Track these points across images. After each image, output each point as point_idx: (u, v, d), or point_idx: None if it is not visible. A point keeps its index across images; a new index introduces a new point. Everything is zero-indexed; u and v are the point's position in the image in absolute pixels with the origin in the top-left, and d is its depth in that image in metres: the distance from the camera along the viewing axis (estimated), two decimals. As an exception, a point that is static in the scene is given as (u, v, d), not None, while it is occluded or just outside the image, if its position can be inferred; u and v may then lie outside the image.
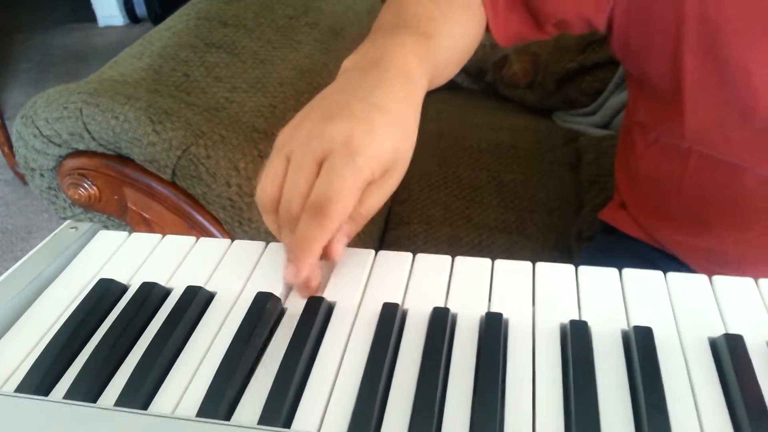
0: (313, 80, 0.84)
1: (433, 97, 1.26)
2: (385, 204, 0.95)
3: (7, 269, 0.40)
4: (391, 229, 0.90)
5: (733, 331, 0.33)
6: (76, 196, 0.71)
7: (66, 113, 0.65)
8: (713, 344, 0.33)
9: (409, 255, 0.40)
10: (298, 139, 0.38)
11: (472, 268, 0.39)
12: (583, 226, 0.89)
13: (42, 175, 0.72)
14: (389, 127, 0.39)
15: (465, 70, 1.23)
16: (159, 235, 0.43)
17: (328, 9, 0.97)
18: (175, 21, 0.86)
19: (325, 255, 0.37)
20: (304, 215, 0.36)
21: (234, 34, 0.83)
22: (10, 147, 1.95)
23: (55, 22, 3.29)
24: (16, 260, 0.40)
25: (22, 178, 1.99)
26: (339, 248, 0.38)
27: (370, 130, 0.37)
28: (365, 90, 0.41)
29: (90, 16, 3.26)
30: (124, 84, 0.70)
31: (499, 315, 0.34)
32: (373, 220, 0.89)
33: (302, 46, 0.87)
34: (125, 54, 0.79)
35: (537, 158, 1.03)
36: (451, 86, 1.27)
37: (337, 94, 0.41)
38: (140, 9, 3.25)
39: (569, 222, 0.92)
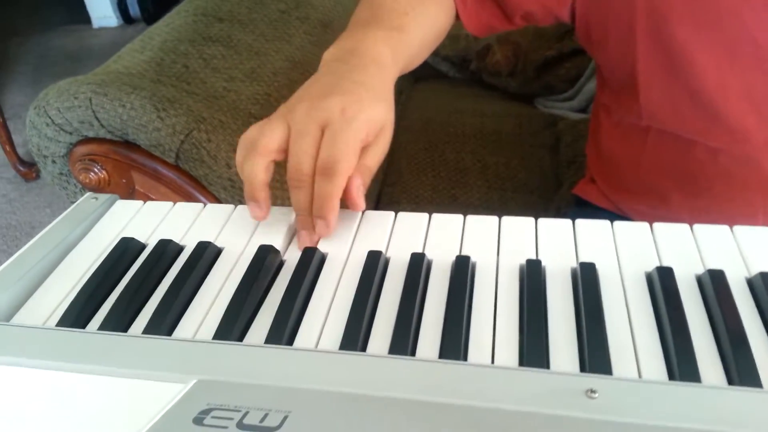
0: (304, 70, 0.89)
1: (420, 86, 1.32)
2: (377, 186, 1.01)
3: None
4: (382, 209, 0.96)
5: (665, 265, 0.39)
6: (87, 181, 0.76)
7: (77, 103, 0.70)
8: (648, 276, 0.39)
9: (392, 213, 0.46)
10: (298, 112, 0.44)
11: (447, 222, 0.45)
12: (561, 203, 0.95)
13: (54, 162, 0.77)
14: (374, 98, 0.46)
15: (450, 60, 1.29)
16: (171, 203, 0.49)
17: (318, 3, 1.03)
18: (174, 17, 0.91)
19: (352, 206, 0.44)
20: (318, 178, 0.42)
21: (229, 28, 0.89)
22: (12, 145, 2.00)
23: (51, 24, 3.33)
24: None
25: (24, 176, 2.04)
26: (360, 197, 0.44)
27: (359, 100, 0.45)
28: (347, 73, 0.48)
29: (85, 18, 3.30)
30: (129, 75, 0.75)
31: (467, 257, 0.40)
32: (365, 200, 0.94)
33: (294, 39, 0.92)
34: (128, 49, 0.84)
35: (519, 141, 1.09)
36: (438, 75, 1.33)
37: (326, 77, 0.49)
38: (134, 9, 3.29)
39: (549, 200, 0.98)
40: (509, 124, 1.12)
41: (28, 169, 2.04)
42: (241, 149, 0.45)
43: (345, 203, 0.44)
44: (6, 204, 1.95)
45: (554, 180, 1.01)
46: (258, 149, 0.43)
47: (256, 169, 0.43)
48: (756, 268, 0.39)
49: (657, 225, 0.43)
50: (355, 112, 0.44)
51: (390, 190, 0.99)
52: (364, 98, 0.45)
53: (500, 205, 0.96)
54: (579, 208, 0.84)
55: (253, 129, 0.45)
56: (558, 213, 0.93)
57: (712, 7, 0.57)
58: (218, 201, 0.75)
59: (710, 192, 0.67)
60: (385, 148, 0.47)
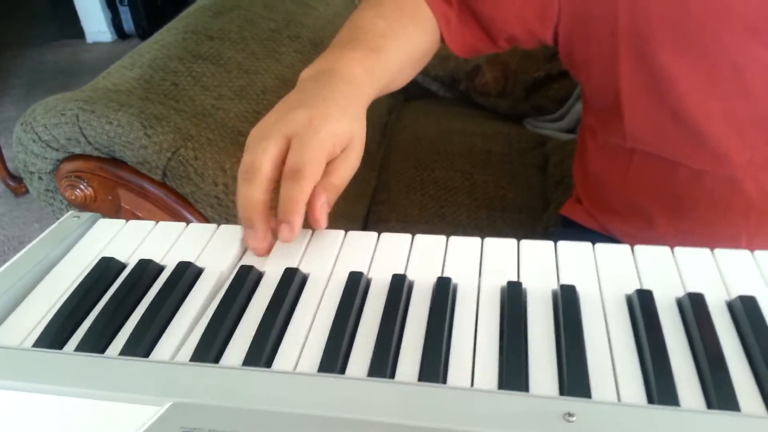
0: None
1: (410, 106, 1.33)
2: (365, 204, 1.01)
3: None
4: (370, 227, 0.96)
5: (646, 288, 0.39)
6: (73, 197, 0.76)
7: (63, 119, 0.70)
8: (628, 299, 0.39)
9: (375, 234, 0.46)
10: (264, 125, 0.45)
11: (429, 243, 0.45)
12: (549, 222, 0.95)
13: (40, 178, 0.77)
14: (341, 112, 0.47)
15: (440, 80, 1.30)
16: (153, 222, 0.49)
17: (309, 23, 1.04)
18: (164, 35, 0.91)
19: (314, 223, 0.44)
20: (284, 182, 0.42)
21: (220, 46, 0.89)
22: (2, 160, 1.99)
23: (45, 39, 3.34)
24: None
25: (13, 191, 2.03)
26: (323, 215, 0.44)
27: (326, 114, 0.45)
28: (317, 90, 0.49)
29: (79, 33, 3.32)
30: (117, 92, 0.75)
31: (448, 279, 0.40)
32: (353, 219, 0.94)
33: (284, 57, 0.93)
34: (117, 66, 0.85)
35: (508, 161, 1.09)
36: (427, 95, 1.34)
37: (295, 95, 0.50)
38: (128, 25, 3.30)
39: (536, 219, 0.98)
40: (498, 144, 1.13)
41: (18, 183, 2.02)
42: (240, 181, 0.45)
43: (306, 220, 0.44)
44: (-6, 219, 1.94)
45: (542, 199, 1.01)
46: (251, 177, 0.44)
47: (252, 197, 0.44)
48: (736, 291, 0.39)
49: (638, 248, 0.43)
50: (321, 124, 0.44)
51: (378, 209, 0.99)
52: (330, 112, 0.46)
53: (488, 224, 0.96)
54: (566, 228, 0.84)
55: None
56: (545, 232, 0.93)
57: (694, 31, 0.58)
58: (205, 219, 0.74)
59: (694, 214, 0.67)
60: (353, 166, 0.47)
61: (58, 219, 0.81)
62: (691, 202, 0.67)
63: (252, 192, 0.43)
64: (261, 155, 0.43)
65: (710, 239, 0.68)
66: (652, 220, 0.71)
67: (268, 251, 0.44)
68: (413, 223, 0.95)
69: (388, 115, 1.25)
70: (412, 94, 1.35)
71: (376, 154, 1.12)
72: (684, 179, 0.65)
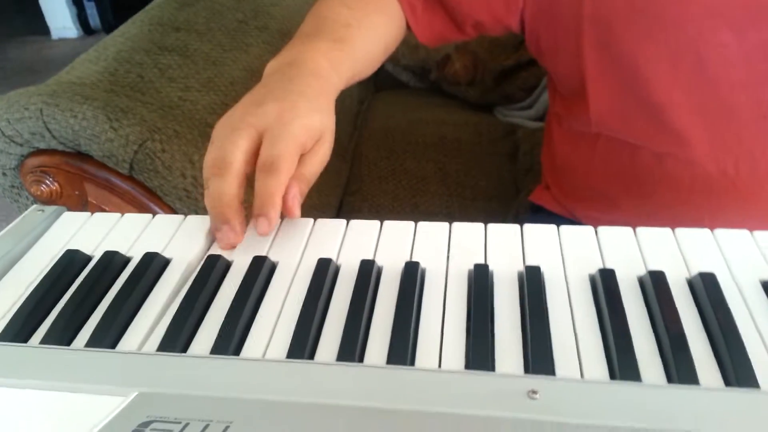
0: (263, 80, 0.89)
1: (381, 96, 1.33)
2: (338, 194, 1.01)
3: None
4: (343, 217, 0.96)
5: (608, 267, 0.40)
6: (39, 193, 0.74)
7: (27, 114, 0.69)
8: (591, 279, 0.40)
9: (343, 221, 0.46)
10: (233, 119, 0.45)
11: (398, 229, 0.45)
12: (519, 209, 0.96)
13: (5, 174, 0.76)
14: (310, 106, 0.46)
15: (410, 70, 1.30)
16: (119, 214, 0.48)
17: (277, 13, 1.03)
18: (129, 27, 0.90)
19: (287, 213, 0.44)
20: (258, 175, 0.42)
21: (186, 37, 0.88)
22: (-35, 159, 1.94)
23: (8, 35, 3.25)
24: None
25: (-23, 190, 1.98)
26: (296, 206, 0.44)
27: (295, 108, 0.45)
28: (284, 83, 0.49)
29: (43, 29, 3.24)
30: (82, 86, 0.74)
31: (416, 263, 0.40)
32: (326, 210, 0.94)
33: (252, 48, 0.92)
34: (81, 59, 0.83)
35: (478, 150, 1.10)
36: (398, 85, 1.34)
37: (262, 89, 0.49)
38: (94, 21, 3.24)
39: (507, 207, 0.99)
40: (469, 133, 1.14)
41: (-18, 182, 1.98)
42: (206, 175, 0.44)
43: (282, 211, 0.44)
44: (-41, 218, 1.89)
45: (513, 187, 1.03)
46: (216, 171, 0.43)
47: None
48: (696, 269, 0.40)
49: (601, 228, 0.44)
50: (291, 118, 0.44)
51: (351, 199, 0.99)
52: (300, 106, 0.46)
53: (460, 212, 0.97)
54: (535, 215, 0.86)
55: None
56: (516, 219, 0.94)
57: (656, 18, 0.59)
58: (174, 212, 0.74)
59: (657, 196, 0.69)
60: (323, 158, 0.48)
61: (23, 216, 0.80)
62: (653, 184, 0.68)
63: (224, 187, 0.43)
64: (232, 149, 0.43)
65: (673, 221, 0.70)
66: (617, 203, 0.72)
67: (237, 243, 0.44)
68: (386, 213, 0.96)
69: (359, 106, 1.25)
70: (382, 84, 1.35)
71: (348, 145, 1.12)
72: (646, 162, 0.66)
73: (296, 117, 0.44)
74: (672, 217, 0.69)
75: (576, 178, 0.76)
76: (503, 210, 0.98)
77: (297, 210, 0.44)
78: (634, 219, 0.71)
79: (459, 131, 1.14)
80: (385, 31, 0.64)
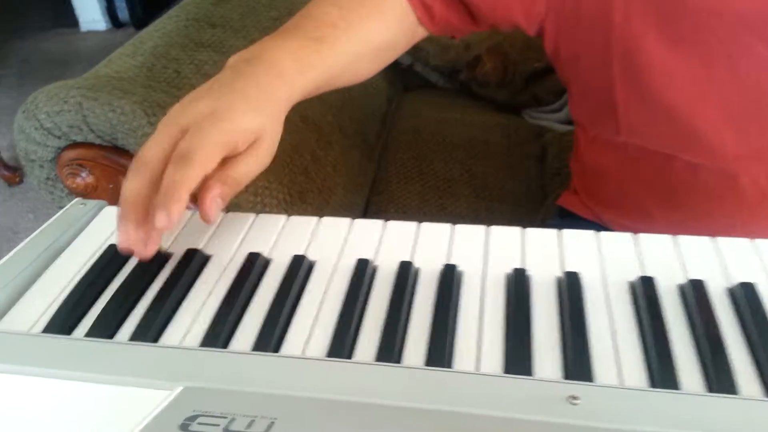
0: (294, 78, 0.90)
1: (409, 96, 1.33)
2: (364, 194, 1.01)
3: None
4: (369, 218, 0.96)
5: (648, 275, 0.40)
6: (74, 186, 0.76)
7: (66, 107, 0.70)
8: (632, 286, 0.40)
9: (381, 221, 0.46)
10: (168, 115, 0.43)
11: (435, 231, 0.45)
12: (546, 213, 0.96)
13: (41, 167, 0.77)
14: (248, 107, 0.43)
15: (439, 70, 1.30)
16: (158, 210, 0.49)
17: (309, 12, 1.03)
18: (165, 23, 0.91)
19: (203, 217, 0.40)
20: (169, 166, 0.39)
21: (222, 34, 0.89)
22: (-4, 149, 1.98)
23: (38, 28, 3.31)
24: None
25: (7, 180, 2.02)
26: (214, 208, 0.40)
27: (231, 108, 0.42)
28: (231, 81, 0.46)
29: (72, 21, 3.28)
30: (120, 80, 0.75)
31: (454, 266, 0.41)
32: (352, 210, 0.95)
33: (284, 47, 0.93)
34: (118, 53, 0.84)
35: (506, 152, 1.10)
36: (427, 85, 1.34)
37: (204, 86, 0.46)
38: (123, 14, 3.27)
39: (534, 211, 0.99)
40: (497, 135, 1.13)
41: (12, 173, 2.02)
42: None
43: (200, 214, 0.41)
44: (-11, 208, 1.94)
45: (540, 191, 1.02)
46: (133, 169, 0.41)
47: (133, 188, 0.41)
48: (737, 279, 0.40)
49: (641, 235, 0.44)
50: (224, 116, 0.41)
51: (377, 199, 0.99)
52: (236, 106, 0.42)
53: (487, 215, 0.96)
54: (563, 219, 0.85)
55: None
56: (543, 224, 0.94)
57: (687, 24, 0.58)
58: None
59: (689, 206, 0.68)
60: (259, 162, 0.44)
61: (59, 208, 0.81)
62: (686, 194, 0.67)
63: (133, 184, 0.40)
64: (151, 147, 0.41)
65: (705, 230, 0.69)
66: (648, 211, 0.72)
67: (148, 248, 0.40)
68: (412, 214, 0.96)
69: (388, 105, 1.25)
70: (411, 84, 1.35)
71: (375, 145, 1.13)
72: (678, 172, 0.66)
73: (227, 116, 0.41)
74: (704, 227, 0.69)
75: (606, 186, 0.75)
76: (530, 213, 0.97)
77: (214, 215, 0.40)
78: (665, 228, 0.71)
79: (487, 133, 1.14)
80: (378, 34, 0.61)
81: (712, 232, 0.44)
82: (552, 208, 0.96)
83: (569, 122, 1.17)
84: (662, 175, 0.67)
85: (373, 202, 0.99)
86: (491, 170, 1.05)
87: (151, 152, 0.40)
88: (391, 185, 1.01)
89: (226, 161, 0.41)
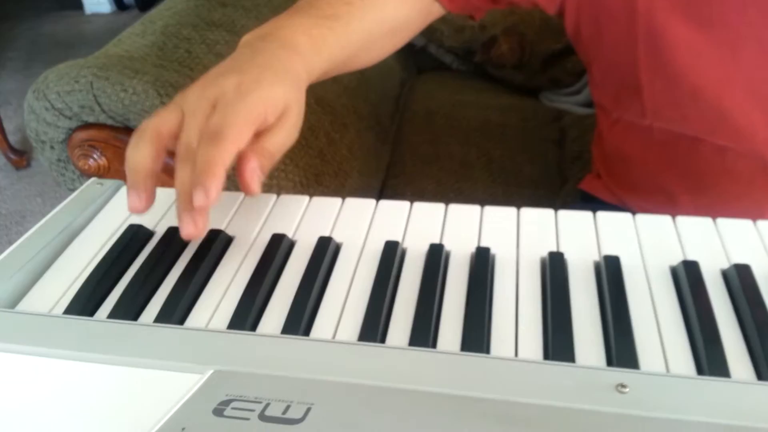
0: (309, 58, 0.88)
1: (423, 78, 1.31)
2: (380, 177, 0.99)
3: (2, 253, 0.42)
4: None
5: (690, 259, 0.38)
6: (86, 167, 0.74)
7: (77, 87, 0.69)
8: (673, 270, 0.38)
9: (407, 203, 0.45)
10: (191, 93, 0.41)
11: (464, 213, 0.44)
12: (566, 199, 0.94)
13: (52, 148, 0.76)
14: (275, 79, 0.43)
15: (454, 51, 1.28)
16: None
17: (323, -9, 1.01)
18: (175, 1, 0.89)
19: (245, 189, 0.39)
20: (201, 143, 0.38)
21: (233, 13, 0.87)
22: (2, 132, 1.97)
23: (43, 10, 3.28)
24: (11, 243, 0.43)
25: (15, 164, 2.01)
26: (255, 179, 0.39)
27: (258, 80, 0.41)
28: (251, 57, 0.45)
29: (77, 4, 3.26)
30: (131, 59, 0.73)
31: (487, 249, 0.39)
32: (368, 193, 0.93)
33: (299, 26, 0.91)
34: (128, 33, 0.83)
35: (524, 136, 1.08)
36: (441, 67, 1.31)
37: (228, 62, 0.45)
38: (128, -3, 3.25)
39: (554, 195, 0.97)
40: (514, 118, 1.11)
41: (19, 157, 2.00)
42: (132, 138, 0.40)
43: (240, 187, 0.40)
44: (-3, 192, 1.93)
45: (559, 175, 1.00)
46: (145, 135, 0.40)
47: (139, 155, 0.39)
48: (781, 263, 0.38)
49: (680, 218, 0.42)
50: (251, 88, 0.40)
51: (394, 182, 0.98)
52: (263, 77, 0.42)
53: (505, 200, 0.95)
54: (585, 204, 0.83)
55: (148, 118, 0.41)
56: (564, 208, 0.92)
57: (716, 5, 0.56)
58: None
59: (717, 190, 0.67)
60: (290, 135, 0.43)
61: (70, 190, 0.80)
62: (713, 178, 0.66)
63: (137, 152, 0.39)
64: (189, 130, 0.39)
65: (733, 215, 0.68)
66: (674, 196, 0.70)
67: (198, 226, 0.38)
68: (429, 198, 0.93)
69: (401, 88, 1.23)
70: (424, 65, 1.33)
71: (390, 128, 1.11)
72: (706, 155, 0.64)
73: (256, 88, 0.40)
74: (731, 211, 0.67)
75: (630, 170, 0.73)
76: (550, 198, 0.96)
77: (256, 186, 0.39)
78: (692, 213, 0.69)
79: (503, 116, 1.12)
80: (394, 14, 0.59)
81: (741, 217, 0.43)
82: (572, 193, 0.94)
83: (589, 105, 1.15)
84: (689, 159, 0.66)
85: (389, 186, 0.97)
86: (508, 154, 1.03)
87: (193, 138, 0.39)
88: (407, 168, 1.00)
89: (257, 135, 0.40)
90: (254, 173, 0.39)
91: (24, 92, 0.73)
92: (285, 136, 0.42)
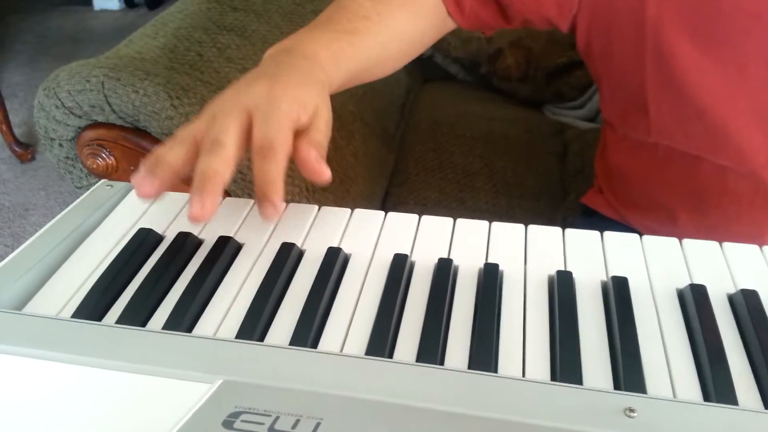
0: (318, 65, 0.88)
1: (428, 87, 1.31)
2: (383, 185, 0.99)
3: (5, 246, 0.42)
4: (388, 209, 0.95)
5: (697, 282, 0.38)
6: (94, 166, 0.74)
7: (88, 86, 0.69)
8: (680, 294, 0.38)
9: (416, 216, 0.45)
10: (222, 99, 0.43)
11: (472, 228, 0.44)
12: (567, 212, 0.94)
13: (61, 145, 0.76)
14: (301, 81, 0.44)
15: (460, 62, 1.28)
16: (187, 194, 0.48)
17: (333, -2, 1.02)
18: (187, 4, 0.89)
19: (315, 175, 0.41)
20: (256, 159, 0.39)
21: (244, 18, 0.87)
22: (8, 125, 1.97)
23: (51, 4, 3.28)
24: (14, 236, 0.43)
25: (19, 157, 2.01)
26: (322, 164, 0.41)
27: (286, 84, 0.43)
28: (275, 67, 0.47)
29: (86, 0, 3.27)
30: (142, 61, 0.74)
31: (496, 265, 0.39)
32: (371, 200, 0.93)
33: (309, 32, 0.91)
34: (140, 33, 0.83)
35: (527, 148, 1.08)
36: (446, 77, 1.32)
37: (252, 73, 0.46)
38: (136, -6, 3.25)
39: (555, 208, 0.97)
40: (518, 130, 1.12)
41: (24, 150, 2.01)
42: (168, 142, 0.41)
43: (309, 177, 0.41)
44: (0, 185, 1.92)
45: (561, 188, 1.00)
46: (184, 140, 0.41)
47: (171, 153, 0.40)
48: (787, 290, 0.38)
49: (686, 241, 0.42)
50: (282, 95, 0.42)
51: (397, 191, 0.98)
52: (290, 82, 0.43)
53: (507, 211, 0.95)
54: (586, 218, 0.84)
55: (184, 127, 0.42)
56: (564, 222, 0.92)
57: (723, 25, 0.57)
58: (228, 194, 0.73)
59: (717, 210, 0.67)
60: (327, 130, 0.44)
61: (77, 188, 0.80)
62: (714, 197, 0.66)
63: (215, 164, 0.39)
64: (225, 131, 0.40)
65: (733, 236, 0.68)
66: (675, 215, 0.70)
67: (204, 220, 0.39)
68: (432, 207, 0.94)
69: (406, 97, 1.23)
70: (430, 75, 1.33)
71: (394, 136, 1.11)
72: (707, 174, 0.65)
73: (287, 92, 0.42)
74: (731, 232, 0.67)
75: (632, 187, 0.74)
76: (551, 211, 0.96)
77: (325, 169, 0.41)
78: (692, 232, 0.69)
79: (507, 127, 1.12)
80: (409, 27, 0.61)
81: (740, 239, 0.43)
82: (573, 207, 0.94)
83: (591, 119, 1.15)
84: (691, 177, 0.66)
85: (393, 194, 0.98)
86: (511, 165, 1.03)
87: (227, 138, 0.40)
88: (411, 177, 1.00)
89: (297, 134, 0.42)
90: (319, 160, 0.41)
91: (30, 86, 0.73)
92: (324, 129, 0.44)
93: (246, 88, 0.43)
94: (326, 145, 0.44)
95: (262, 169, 0.39)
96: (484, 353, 0.34)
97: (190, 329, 0.35)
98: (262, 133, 0.40)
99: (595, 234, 0.43)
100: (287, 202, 0.47)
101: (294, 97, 0.42)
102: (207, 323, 0.36)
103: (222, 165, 0.39)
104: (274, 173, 0.39)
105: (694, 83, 0.59)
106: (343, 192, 0.85)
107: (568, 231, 0.43)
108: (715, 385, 0.32)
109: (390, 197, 0.97)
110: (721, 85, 0.59)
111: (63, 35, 2.99)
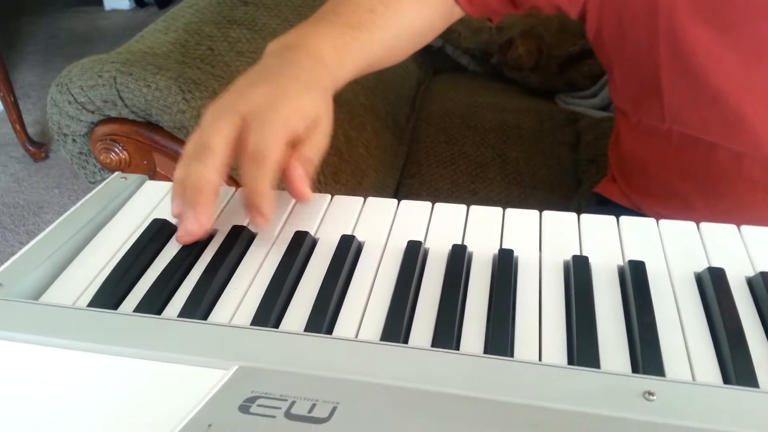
0: (328, 57, 0.88)
1: (439, 79, 1.31)
2: (395, 177, 0.99)
3: (20, 243, 0.43)
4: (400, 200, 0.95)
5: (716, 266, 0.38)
6: (107, 161, 0.75)
7: (101, 81, 0.69)
8: (698, 277, 0.38)
9: (429, 203, 0.45)
10: (222, 103, 0.42)
11: (485, 214, 0.44)
12: (581, 202, 0.94)
13: (74, 141, 0.76)
14: (302, 89, 0.43)
15: (471, 53, 1.28)
16: (201, 185, 0.48)
17: (343, -10, 1.01)
18: (196, -1, 0.90)
19: (297, 195, 0.42)
20: (247, 166, 0.39)
21: (254, 11, 0.87)
22: (22, 124, 1.99)
23: (62, 5, 3.31)
24: (29, 234, 0.43)
25: (33, 155, 2.03)
26: (305, 186, 0.41)
27: (285, 92, 0.42)
28: (278, 67, 0.46)
29: (96, 0, 3.29)
30: (154, 55, 0.74)
31: (511, 251, 0.39)
32: (383, 192, 0.93)
33: (318, 25, 0.91)
34: (151, 29, 0.83)
35: (539, 138, 1.07)
36: (457, 68, 1.31)
37: (254, 73, 0.46)
38: (146, -7, 3.27)
39: (568, 198, 0.96)
40: (530, 120, 1.11)
41: (37, 148, 2.03)
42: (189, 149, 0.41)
43: (291, 195, 0.42)
44: (14, 183, 1.94)
45: (574, 178, 1.00)
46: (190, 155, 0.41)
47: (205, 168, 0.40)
48: (807, 272, 0.38)
49: (704, 225, 0.42)
50: (281, 103, 0.41)
51: (409, 182, 0.98)
52: (291, 89, 0.43)
53: (520, 201, 0.94)
54: (600, 207, 0.83)
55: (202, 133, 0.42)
56: (578, 212, 0.91)
57: (739, 9, 0.56)
58: (237, 184, 0.73)
59: (732, 196, 0.66)
60: (323, 144, 0.44)
61: (90, 183, 0.80)
62: (729, 184, 0.65)
63: (204, 172, 0.39)
64: (215, 135, 0.40)
65: (748, 222, 0.67)
66: (690, 202, 0.69)
67: (202, 236, 0.41)
68: (444, 198, 0.94)
69: (417, 88, 1.23)
70: (441, 66, 1.33)
71: (405, 127, 1.11)
72: (722, 161, 0.64)
73: (286, 101, 0.41)
74: (747, 218, 0.66)
75: (646, 174, 0.73)
76: (564, 200, 0.95)
77: (307, 190, 0.41)
78: (707, 219, 0.69)
79: (519, 117, 1.11)
80: (416, 20, 0.60)
81: (756, 224, 0.42)
82: (587, 196, 0.93)
83: (604, 108, 1.14)
84: (705, 164, 0.65)
85: (405, 185, 0.97)
86: (524, 156, 1.03)
87: (216, 140, 0.40)
88: (423, 168, 1.00)
89: (290, 144, 0.41)
90: (303, 180, 0.41)
91: (43, 86, 0.73)
92: (320, 146, 0.43)
93: (245, 90, 0.42)
94: (320, 156, 0.43)
95: (251, 177, 0.39)
96: (500, 338, 0.33)
97: (205, 317, 0.35)
98: (255, 141, 0.39)
99: (610, 219, 0.43)
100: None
101: (293, 106, 0.42)
102: (222, 311, 0.36)
103: (212, 173, 0.39)
104: (262, 183, 0.39)
105: (709, 68, 0.59)
106: (354, 184, 0.85)
107: (584, 216, 0.43)
108: (735, 367, 0.32)
109: (402, 189, 0.97)
110: (736, 70, 0.58)
111: (74, 35, 3.01)
